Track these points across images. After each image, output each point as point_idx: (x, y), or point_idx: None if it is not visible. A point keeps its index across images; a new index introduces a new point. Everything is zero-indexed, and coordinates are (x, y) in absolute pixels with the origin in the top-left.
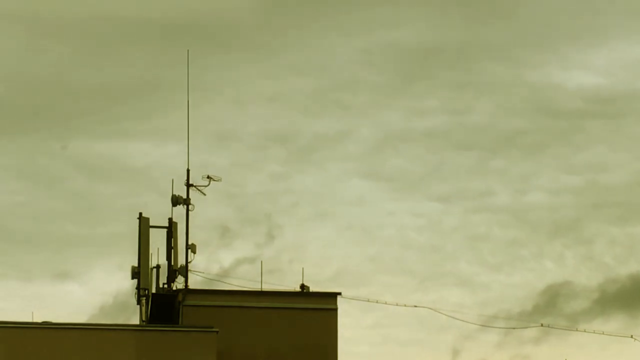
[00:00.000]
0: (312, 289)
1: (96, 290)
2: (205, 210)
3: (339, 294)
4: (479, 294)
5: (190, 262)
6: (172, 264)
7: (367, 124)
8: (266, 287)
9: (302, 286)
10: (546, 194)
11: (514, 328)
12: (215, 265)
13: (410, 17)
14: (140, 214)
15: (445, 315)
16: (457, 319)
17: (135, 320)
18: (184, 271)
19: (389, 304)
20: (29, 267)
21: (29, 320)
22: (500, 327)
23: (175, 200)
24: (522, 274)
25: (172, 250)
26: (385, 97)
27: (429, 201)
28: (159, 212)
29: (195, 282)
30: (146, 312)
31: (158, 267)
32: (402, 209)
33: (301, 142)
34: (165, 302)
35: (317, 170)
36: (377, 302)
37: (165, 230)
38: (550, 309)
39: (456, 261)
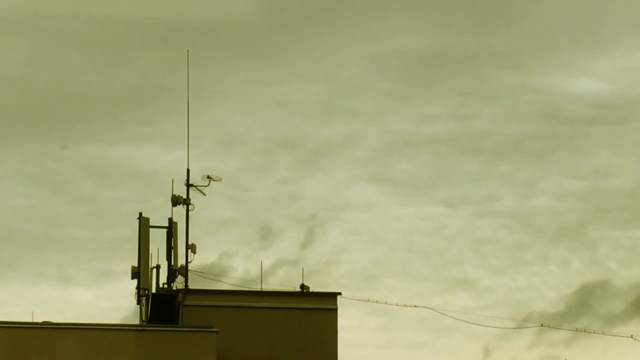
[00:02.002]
0: (316, 291)
1: (104, 294)
2: (211, 212)
3: (339, 293)
4: (483, 297)
5: (190, 262)
6: (172, 264)
7: (375, 129)
8: (266, 287)
9: (302, 286)
10: (551, 199)
11: (513, 328)
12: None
13: (417, 25)
14: (140, 214)
15: (446, 315)
16: (458, 319)
17: (135, 320)
18: (184, 271)
19: (389, 304)
20: (36, 270)
21: (29, 320)
22: (501, 328)
23: (175, 200)
24: (527, 277)
25: (172, 250)
26: (393, 103)
27: (435, 205)
28: (159, 212)
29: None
30: (146, 312)
31: (158, 267)
32: (408, 213)
33: (309, 148)
34: (165, 302)
35: (325, 175)
36: (377, 302)
37: (165, 230)
38: (553, 311)
39: (461, 265)
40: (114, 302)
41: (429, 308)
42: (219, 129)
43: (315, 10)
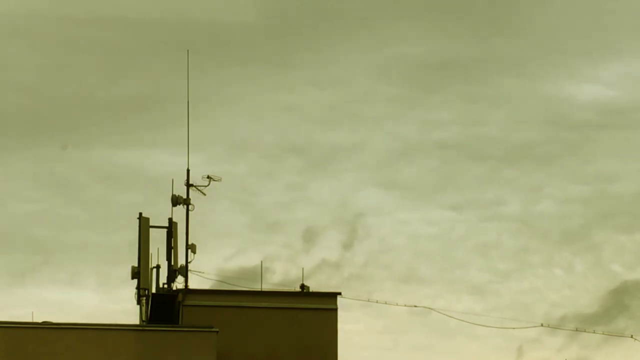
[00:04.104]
0: (316, 291)
1: (112, 298)
2: (220, 216)
3: (339, 293)
4: (488, 300)
5: (190, 262)
6: (172, 264)
7: (382, 135)
8: (266, 287)
9: (302, 286)
10: (556, 203)
11: (513, 328)
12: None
13: (424, 32)
14: (140, 214)
15: (446, 315)
16: (457, 320)
17: (131, 317)
18: (184, 271)
19: (389, 304)
20: (46, 274)
21: (29, 320)
22: (502, 328)
23: (175, 200)
24: (532, 281)
25: (172, 250)
26: (399, 109)
27: (441, 210)
28: (162, 213)
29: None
30: (146, 312)
31: (158, 267)
32: (415, 218)
33: (317, 153)
34: (165, 302)
35: (333, 180)
36: (377, 302)
37: (165, 230)
38: (557, 312)
39: (467, 268)
40: (122, 306)
41: (429, 308)
42: (227, 134)
43: (323, 17)
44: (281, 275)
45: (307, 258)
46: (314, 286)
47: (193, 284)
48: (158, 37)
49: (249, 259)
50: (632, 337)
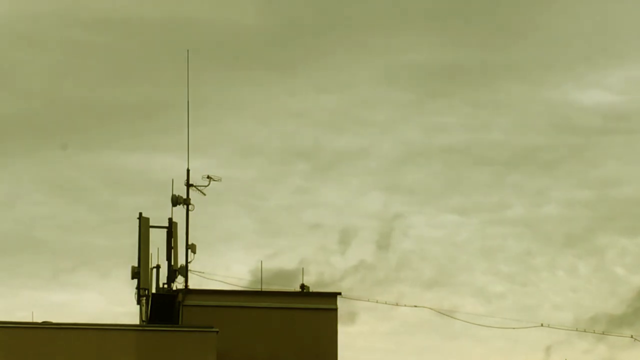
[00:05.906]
0: (316, 291)
1: (117, 300)
2: (229, 220)
3: (339, 294)
4: (493, 302)
5: (190, 262)
6: (172, 264)
7: (388, 139)
8: (266, 287)
9: (302, 286)
10: (560, 207)
11: (513, 328)
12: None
13: (430, 38)
14: (140, 214)
15: (446, 315)
16: (457, 320)
17: (135, 320)
18: (184, 271)
19: (389, 304)
20: (52, 277)
21: (29, 320)
22: (502, 328)
23: (175, 200)
24: (535, 284)
25: (172, 250)
26: (406, 114)
27: (447, 214)
28: (160, 212)
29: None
30: (146, 312)
31: (158, 267)
32: (420, 222)
33: (324, 157)
34: (165, 302)
35: (339, 184)
36: (377, 302)
37: (165, 230)
38: (559, 313)
39: (472, 271)
40: (126, 308)
41: (429, 308)
42: (234, 138)
43: (329, 22)
44: (292, 276)
45: (309, 260)
46: (316, 287)
47: (193, 284)
48: (163, 40)
49: (253, 261)
50: (632, 337)
